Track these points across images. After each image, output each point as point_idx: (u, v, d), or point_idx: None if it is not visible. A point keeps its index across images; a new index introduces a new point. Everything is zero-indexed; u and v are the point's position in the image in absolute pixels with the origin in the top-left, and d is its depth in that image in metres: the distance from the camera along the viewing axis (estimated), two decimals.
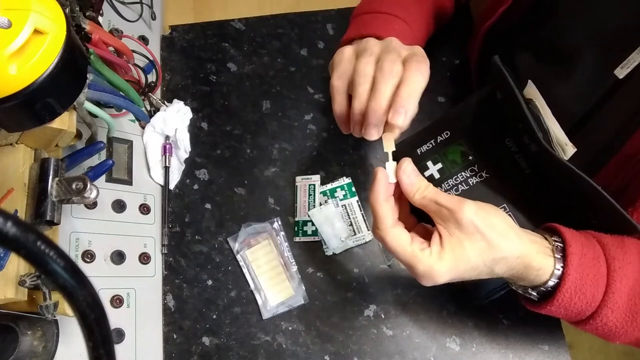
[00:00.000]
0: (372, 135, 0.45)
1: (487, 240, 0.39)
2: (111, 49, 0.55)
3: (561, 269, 0.40)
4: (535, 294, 0.43)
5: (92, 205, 0.53)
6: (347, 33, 0.55)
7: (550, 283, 0.41)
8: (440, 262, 0.39)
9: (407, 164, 0.43)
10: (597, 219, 0.47)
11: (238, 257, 0.60)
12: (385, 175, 0.43)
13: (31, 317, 0.44)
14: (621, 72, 0.44)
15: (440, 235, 0.41)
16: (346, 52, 0.47)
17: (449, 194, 0.54)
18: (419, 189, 0.43)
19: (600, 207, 0.44)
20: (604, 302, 0.40)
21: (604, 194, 0.42)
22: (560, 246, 0.42)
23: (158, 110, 0.63)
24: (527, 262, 0.40)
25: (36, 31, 0.33)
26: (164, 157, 0.62)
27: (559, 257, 0.41)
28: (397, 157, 0.59)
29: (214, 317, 0.58)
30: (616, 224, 0.44)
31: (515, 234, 0.41)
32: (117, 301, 0.53)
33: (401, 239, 0.41)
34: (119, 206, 0.56)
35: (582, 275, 0.40)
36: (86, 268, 0.51)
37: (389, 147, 0.44)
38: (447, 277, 0.40)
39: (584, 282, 0.40)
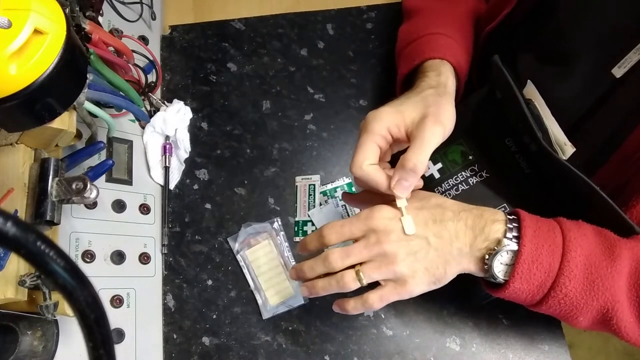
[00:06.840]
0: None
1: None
2: (111, 49, 0.55)
3: (517, 241, 0.42)
4: (505, 256, 0.43)
5: (92, 205, 0.53)
6: (400, 69, 0.57)
7: (508, 247, 0.42)
8: None
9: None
10: (595, 218, 0.47)
11: (238, 257, 0.60)
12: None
13: (31, 317, 0.44)
14: (619, 72, 0.44)
15: None
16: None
17: (449, 193, 0.54)
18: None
19: (598, 206, 0.44)
20: (561, 270, 0.41)
21: (602, 194, 0.43)
22: (514, 223, 0.44)
23: (158, 110, 0.63)
24: (479, 211, 0.44)
25: (36, 31, 0.33)
26: (164, 157, 0.62)
27: (512, 227, 0.43)
28: (399, 156, 0.59)
29: (214, 317, 0.58)
30: (613, 224, 0.44)
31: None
32: (117, 301, 0.53)
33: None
34: (119, 206, 0.56)
35: (538, 245, 0.42)
36: (86, 268, 0.51)
37: (402, 202, 0.45)
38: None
39: (540, 252, 0.42)
